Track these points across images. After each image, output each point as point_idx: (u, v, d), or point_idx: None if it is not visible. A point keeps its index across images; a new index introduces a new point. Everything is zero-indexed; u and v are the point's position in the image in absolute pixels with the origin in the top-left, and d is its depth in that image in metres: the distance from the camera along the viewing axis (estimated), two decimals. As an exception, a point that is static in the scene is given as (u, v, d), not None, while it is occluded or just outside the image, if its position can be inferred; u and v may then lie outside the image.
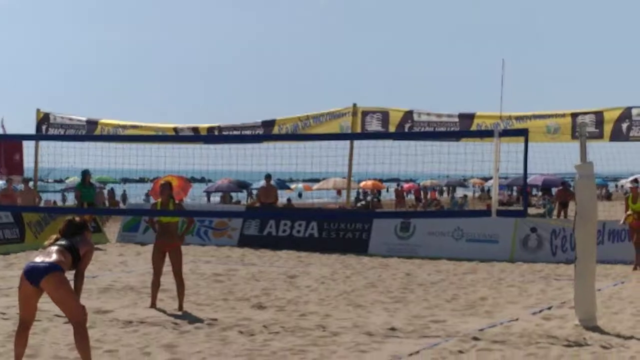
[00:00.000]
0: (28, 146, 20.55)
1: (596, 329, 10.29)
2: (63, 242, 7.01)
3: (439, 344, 9.61)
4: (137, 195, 37.90)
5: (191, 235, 17.50)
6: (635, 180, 21.00)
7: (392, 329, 10.49)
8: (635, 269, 15.83)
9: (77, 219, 7.77)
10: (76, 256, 7.00)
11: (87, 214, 17.28)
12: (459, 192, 37.66)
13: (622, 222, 15.93)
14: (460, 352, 8.94)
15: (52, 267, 6.65)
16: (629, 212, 16.70)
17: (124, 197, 38.56)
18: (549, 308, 12.22)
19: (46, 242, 7.45)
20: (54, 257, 6.73)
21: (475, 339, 9.83)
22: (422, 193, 35.41)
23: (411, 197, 36.19)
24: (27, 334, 7.18)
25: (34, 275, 6.66)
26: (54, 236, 7.25)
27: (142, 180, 31.53)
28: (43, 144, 20.58)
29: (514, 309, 12.11)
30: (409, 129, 18.58)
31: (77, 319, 7.00)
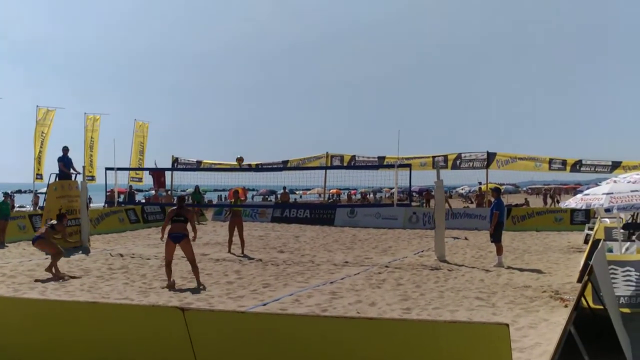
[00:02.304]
0: (168, 173, 29.20)
1: (445, 261, 15.23)
2: (181, 218, 11.99)
3: (368, 269, 13.86)
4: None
5: (247, 216, 28.09)
6: (479, 183, 32.50)
7: (346, 262, 15.30)
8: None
9: (184, 198, 13.32)
10: (186, 220, 12.02)
11: (197, 207, 26.35)
12: (378, 195, 49.81)
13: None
14: (379, 273, 13.33)
15: (184, 236, 11.89)
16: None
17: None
18: (422, 251, 17.58)
19: (170, 211, 12.40)
20: (183, 229, 11.86)
21: (386, 266, 14.28)
22: (361, 195, 46.83)
23: (357, 197, 48.20)
24: (171, 267, 11.92)
25: (177, 238, 11.88)
26: (175, 208, 12.29)
27: (223, 190, 40.17)
28: (176, 173, 29.41)
29: (405, 252, 17.53)
30: (353, 164, 29.62)
31: (192, 259, 12.08)
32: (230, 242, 17.72)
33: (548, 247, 19.18)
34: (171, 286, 11.62)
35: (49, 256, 13.47)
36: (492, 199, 16.36)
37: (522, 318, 9.06)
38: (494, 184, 31.60)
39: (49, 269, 13.10)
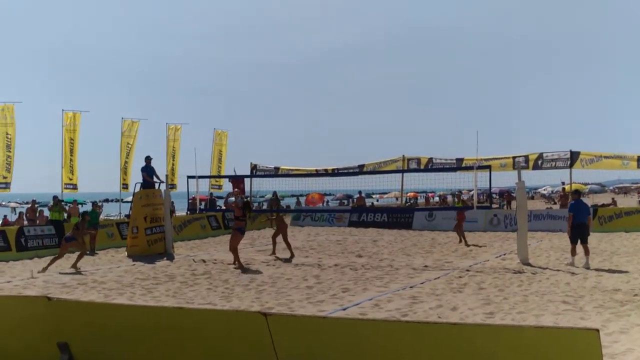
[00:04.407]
0: (247, 180, 29.15)
1: (528, 264, 14.76)
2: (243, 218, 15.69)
3: (449, 273, 13.56)
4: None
5: (324, 220, 28.85)
6: (562, 183, 31.88)
7: (426, 266, 14.99)
8: None
9: (246, 200, 18.27)
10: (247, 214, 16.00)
11: (280, 212, 27.95)
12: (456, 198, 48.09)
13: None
14: (460, 277, 13.03)
15: (243, 230, 15.82)
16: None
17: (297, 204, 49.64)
18: (504, 254, 17.12)
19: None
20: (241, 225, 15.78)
21: (468, 270, 13.98)
22: (439, 198, 45.58)
23: (435, 199, 47.13)
24: (237, 252, 15.62)
25: (243, 231, 15.83)
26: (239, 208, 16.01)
27: (301, 195, 39.24)
28: (255, 179, 29.45)
29: (487, 255, 17.10)
30: (431, 167, 29.26)
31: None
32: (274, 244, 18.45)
33: (638, 248, 18.42)
34: (242, 267, 15.18)
35: (135, 263, 14.06)
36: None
37: (612, 323, 8.70)
38: (578, 184, 30.58)
39: (74, 266, 15.50)
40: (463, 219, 20.85)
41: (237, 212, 16.02)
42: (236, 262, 15.60)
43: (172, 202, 22.59)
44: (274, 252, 17.98)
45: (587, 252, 14.83)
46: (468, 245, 19.88)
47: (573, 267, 14.56)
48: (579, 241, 14.95)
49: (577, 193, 16.39)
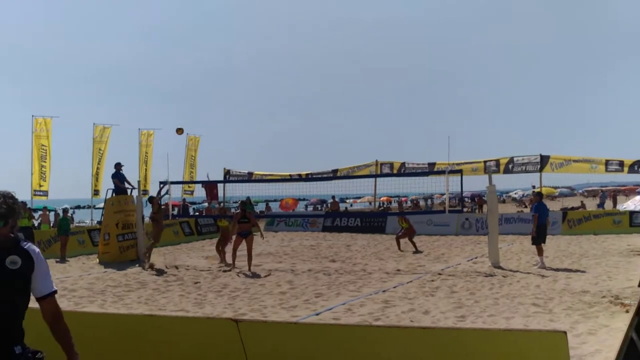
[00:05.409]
0: (220, 186, 29.72)
1: (499, 267, 15.02)
2: (246, 219, 15.69)
3: (421, 277, 13.88)
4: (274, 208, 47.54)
5: (298, 225, 28.78)
6: (533, 187, 32.11)
7: (398, 270, 15.19)
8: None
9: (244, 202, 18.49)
10: (249, 220, 15.76)
11: (255, 217, 27.94)
12: (429, 202, 48.43)
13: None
14: (432, 280, 13.27)
15: (249, 233, 15.73)
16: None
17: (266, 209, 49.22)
18: (476, 257, 17.33)
19: (236, 213, 16.58)
20: (248, 228, 15.67)
21: (440, 274, 14.31)
22: (412, 202, 46.97)
23: (408, 204, 47.90)
24: (236, 254, 15.70)
25: (244, 235, 15.63)
26: (239, 212, 16.26)
27: (275, 201, 39.61)
28: (228, 185, 30.05)
29: (458, 259, 17.32)
30: (403, 172, 29.57)
31: (251, 250, 15.76)
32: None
33: (606, 250, 18.71)
34: (234, 267, 15.70)
35: (107, 270, 13.92)
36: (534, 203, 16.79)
37: (581, 324, 8.83)
38: (548, 187, 31.05)
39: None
40: (410, 232, 20.37)
41: (237, 217, 16.20)
42: (229, 263, 16.21)
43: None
44: (223, 260, 17.56)
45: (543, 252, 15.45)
46: (401, 250, 19.91)
47: (544, 268, 14.79)
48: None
49: (539, 195, 16.92)
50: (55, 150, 29.86)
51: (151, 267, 16.75)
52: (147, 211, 19.81)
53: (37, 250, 3.36)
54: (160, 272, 16.13)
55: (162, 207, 18.77)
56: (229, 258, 16.82)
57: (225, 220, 18.16)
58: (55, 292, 3.42)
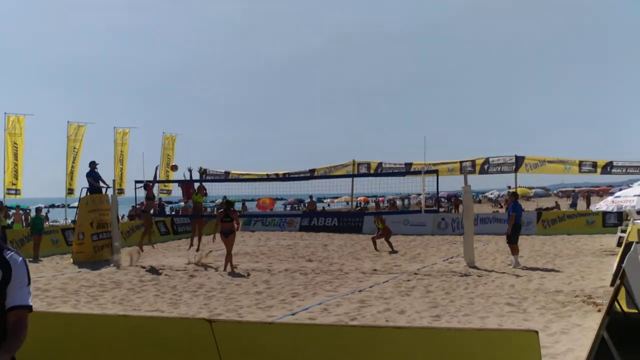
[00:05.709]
0: (197, 184, 28.53)
1: (474, 267, 15.26)
2: (228, 218, 15.52)
3: (397, 277, 14.03)
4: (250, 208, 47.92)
5: (275, 225, 28.99)
6: (509, 187, 32.22)
7: (375, 270, 15.40)
8: None
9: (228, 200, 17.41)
10: (231, 220, 15.59)
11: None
12: (405, 202, 48.72)
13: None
14: (408, 280, 13.39)
15: (231, 232, 15.63)
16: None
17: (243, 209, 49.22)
18: (451, 257, 17.60)
19: (219, 212, 16.51)
20: (231, 227, 15.59)
21: (416, 273, 14.50)
22: (389, 202, 46.26)
23: (385, 204, 48.07)
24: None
25: (227, 234, 15.53)
26: (222, 210, 16.15)
27: (252, 200, 38.47)
28: (205, 184, 26.56)
29: (434, 259, 17.52)
30: (380, 172, 29.66)
31: (230, 250, 15.65)
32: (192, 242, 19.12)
33: (580, 250, 18.99)
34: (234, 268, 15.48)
35: (81, 270, 13.76)
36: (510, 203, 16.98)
37: (554, 323, 8.93)
38: (523, 187, 31.40)
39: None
40: (386, 233, 20.58)
41: (220, 216, 16.22)
42: (228, 266, 15.81)
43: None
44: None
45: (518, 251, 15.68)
46: (377, 250, 20.10)
47: (519, 267, 14.97)
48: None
49: (515, 195, 17.16)
50: (29, 149, 29.43)
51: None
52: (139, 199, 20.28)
53: (20, 259, 2.99)
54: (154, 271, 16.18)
55: (138, 205, 18.59)
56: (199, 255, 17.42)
57: (200, 196, 19.75)
58: (29, 307, 2.98)
